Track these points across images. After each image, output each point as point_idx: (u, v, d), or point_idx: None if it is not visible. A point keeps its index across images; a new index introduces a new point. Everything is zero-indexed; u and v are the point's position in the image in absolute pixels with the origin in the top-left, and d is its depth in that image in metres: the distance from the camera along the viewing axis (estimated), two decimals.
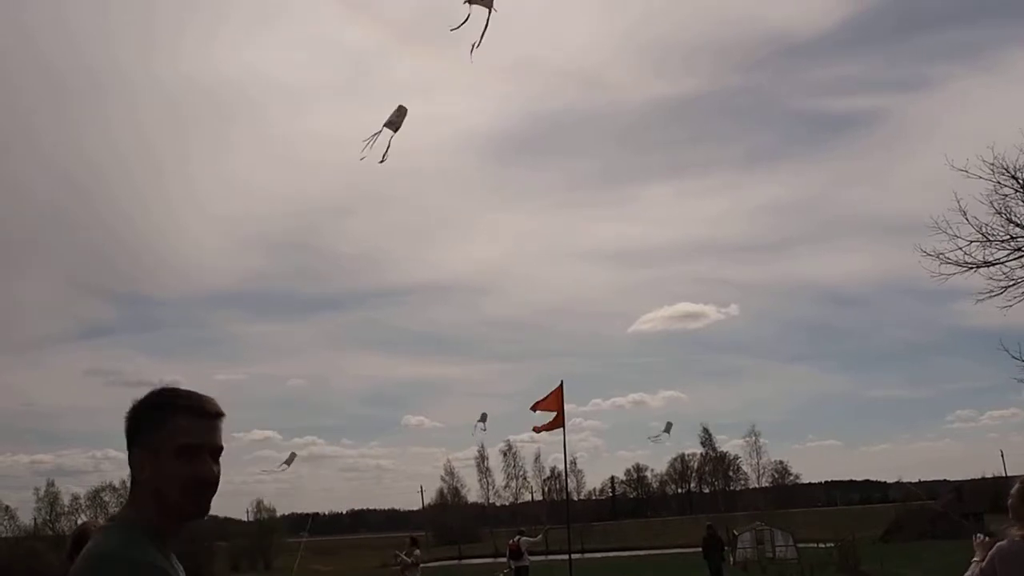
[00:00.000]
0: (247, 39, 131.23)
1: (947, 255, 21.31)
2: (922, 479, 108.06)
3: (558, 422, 22.84)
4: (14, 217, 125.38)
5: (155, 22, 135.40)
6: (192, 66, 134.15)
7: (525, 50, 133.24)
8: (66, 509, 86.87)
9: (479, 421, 28.23)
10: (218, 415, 2.19)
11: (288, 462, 26.44)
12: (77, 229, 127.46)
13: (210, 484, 2.15)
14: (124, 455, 2.15)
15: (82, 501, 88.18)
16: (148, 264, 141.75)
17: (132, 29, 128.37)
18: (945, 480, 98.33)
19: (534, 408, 22.17)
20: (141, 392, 2.17)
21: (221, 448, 2.20)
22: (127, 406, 2.15)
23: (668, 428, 30.30)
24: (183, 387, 2.20)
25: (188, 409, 2.14)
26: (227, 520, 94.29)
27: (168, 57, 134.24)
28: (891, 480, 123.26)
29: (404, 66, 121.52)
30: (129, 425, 2.15)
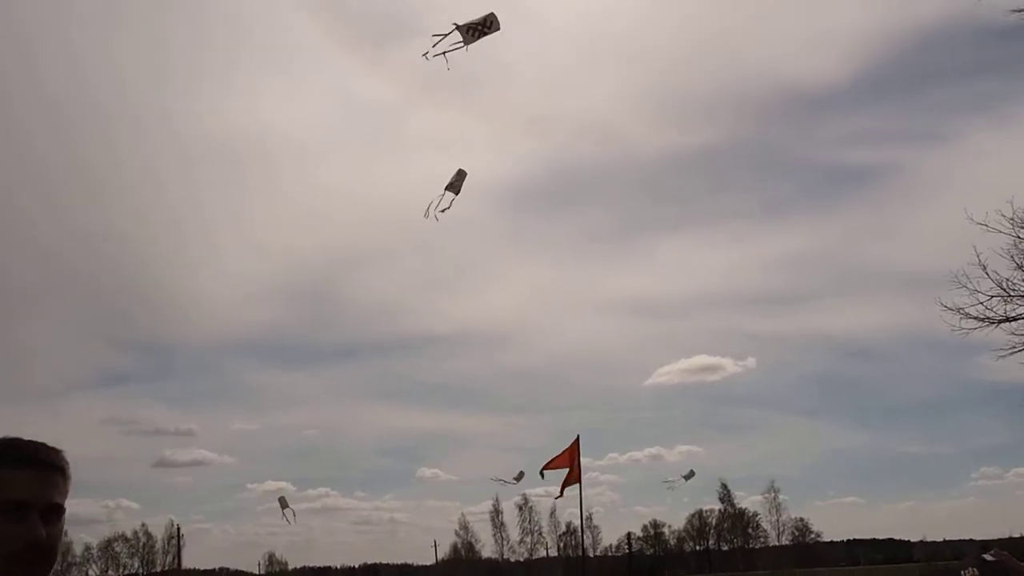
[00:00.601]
0: (263, 92, 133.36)
1: (967, 309, 21.08)
2: (947, 538, 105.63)
3: (574, 477, 22.57)
4: (32, 267, 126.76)
5: (170, 76, 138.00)
6: (209, 118, 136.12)
7: (543, 102, 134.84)
8: (78, 559, 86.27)
9: (514, 477, 28.01)
10: (52, 466, 1.88)
11: (283, 506, 26.06)
12: (94, 279, 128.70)
13: (40, 549, 1.77)
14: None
15: (94, 551, 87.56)
16: (165, 314, 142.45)
17: (148, 83, 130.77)
18: (971, 539, 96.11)
19: (546, 468, 21.93)
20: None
21: (57, 506, 1.86)
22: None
23: (689, 476, 29.97)
24: (25, 438, 1.89)
25: (15, 459, 1.83)
26: (238, 573, 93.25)
27: (184, 110, 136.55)
28: (915, 539, 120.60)
29: (422, 120, 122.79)
30: None
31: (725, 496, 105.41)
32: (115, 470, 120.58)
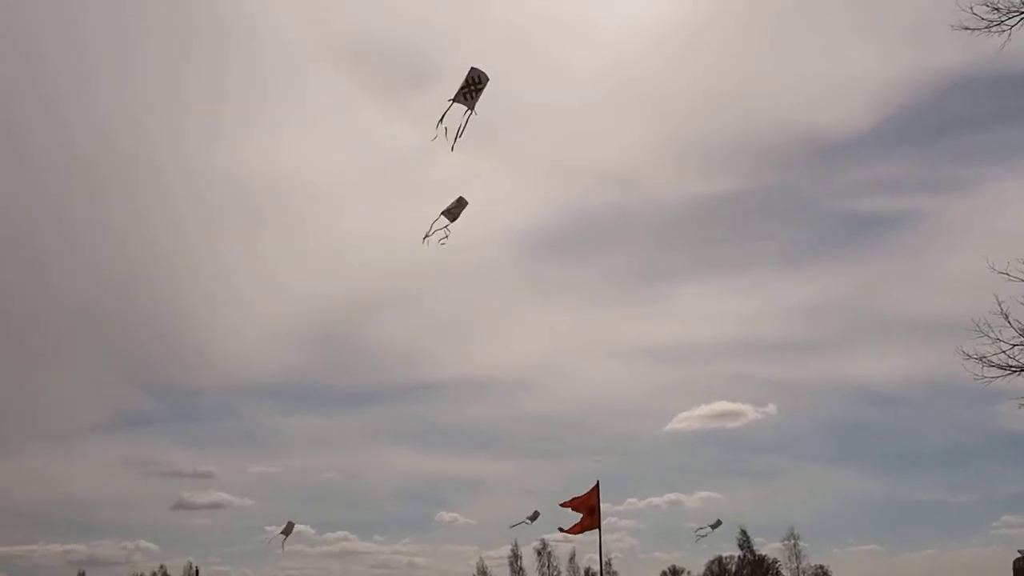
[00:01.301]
0: (283, 139, 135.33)
1: (990, 358, 21.05)
2: None
3: (593, 523, 22.50)
4: (53, 310, 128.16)
5: (191, 124, 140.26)
6: (229, 165, 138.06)
7: (564, 149, 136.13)
8: None
9: (528, 517, 27.90)
10: None
11: (286, 533, 25.87)
12: (115, 322, 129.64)
13: None
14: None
15: None
16: (186, 357, 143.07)
17: (169, 132, 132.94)
18: None
19: (565, 505, 21.92)
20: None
21: None
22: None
23: (716, 525, 29.73)
24: None
25: None
26: None
27: (205, 157, 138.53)
28: None
29: (442, 166, 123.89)
30: None
31: (744, 542, 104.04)
32: (135, 511, 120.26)
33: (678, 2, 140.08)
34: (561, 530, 23.13)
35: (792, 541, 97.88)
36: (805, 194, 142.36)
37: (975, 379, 21.48)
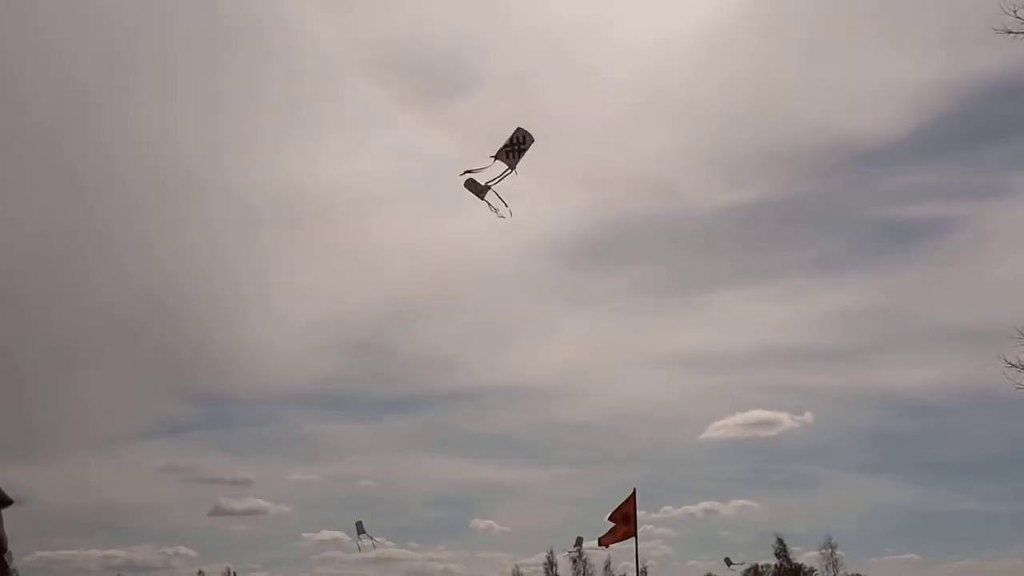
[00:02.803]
0: (320, 149, 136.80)
1: None
2: None
3: (629, 531, 22.83)
4: (93, 319, 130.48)
5: (228, 135, 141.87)
6: (266, 176, 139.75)
7: (597, 157, 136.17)
8: None
9: (575, 547, 28.49)
10: None
11: (360, 532, 26.25)
12: (153, 330, 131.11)
13: None
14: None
15: None
16: (224, 365, 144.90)
17: (206, 143, 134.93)
18: None
19: (612, 518, 22.25)
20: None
21: None
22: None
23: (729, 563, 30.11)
24: None
25: None
26: None
27: (242, 168, 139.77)
28: None
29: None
30: None
31: (781, 551, 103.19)
32: (173, 517, 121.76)
33: (708, 10, 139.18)
34: (603, 543, 23.43)
35: (829, 550, 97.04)
36: (840, 201, 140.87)
37: (1018, 388, 21.51)
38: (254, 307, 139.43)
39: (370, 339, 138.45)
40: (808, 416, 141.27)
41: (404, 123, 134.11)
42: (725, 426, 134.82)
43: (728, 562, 29.02)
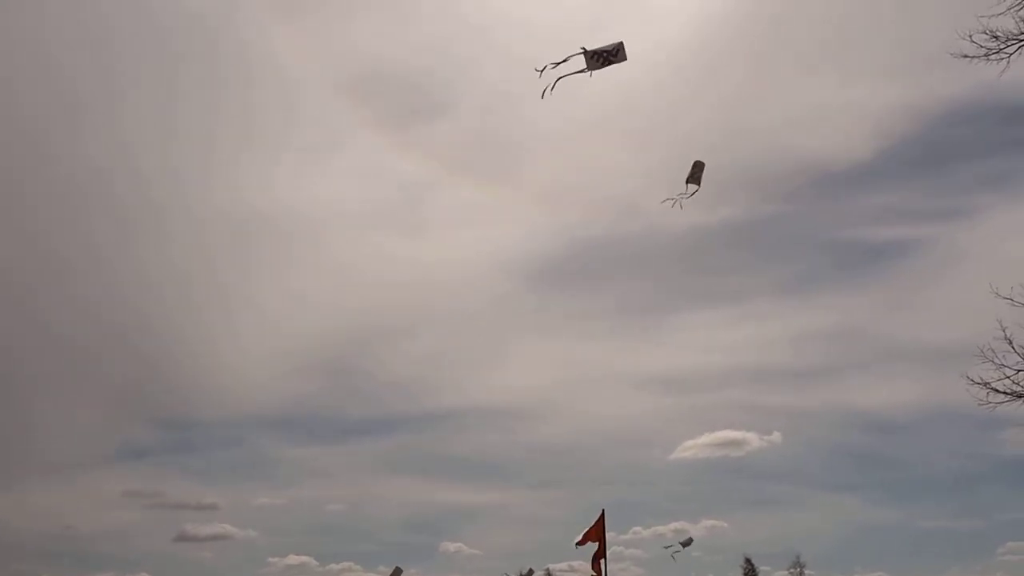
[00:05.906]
0: (280, 169, 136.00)
1: (994, 384, 21.01)
2: None
3: (600, 552, 22.40)
4: (53, 343, 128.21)
5: (183, 154, 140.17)
6: (225, 197, 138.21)
7: (566, 177, 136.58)
8: None
9: (682, 543, 28.72)
10: None
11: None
12: (116, 355, 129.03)
13: None
14: None
15: None
16: (188, 388, 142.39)
17: (159, 163, 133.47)
18: None
19: (580, 543, 21.86)
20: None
21: None
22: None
23: (687, 543, 30.29)
24: None
25: None
26: None
27: (200, 189, 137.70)
28: None
29: (445, 196, 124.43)
30: None
31: (750, 571, 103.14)
32: (136, 544, 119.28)
33: (679, 30, 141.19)
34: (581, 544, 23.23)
35: (798, 569, 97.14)
36: (808, 223, 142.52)
37: (980, 405, 21.46)
38: (218, 330, 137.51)
39: (336, 362, 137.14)
40: (776, 436, 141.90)
41: (367, 146, 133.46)
42: (694, 446, 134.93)
43: (686, 544, 29.11)
